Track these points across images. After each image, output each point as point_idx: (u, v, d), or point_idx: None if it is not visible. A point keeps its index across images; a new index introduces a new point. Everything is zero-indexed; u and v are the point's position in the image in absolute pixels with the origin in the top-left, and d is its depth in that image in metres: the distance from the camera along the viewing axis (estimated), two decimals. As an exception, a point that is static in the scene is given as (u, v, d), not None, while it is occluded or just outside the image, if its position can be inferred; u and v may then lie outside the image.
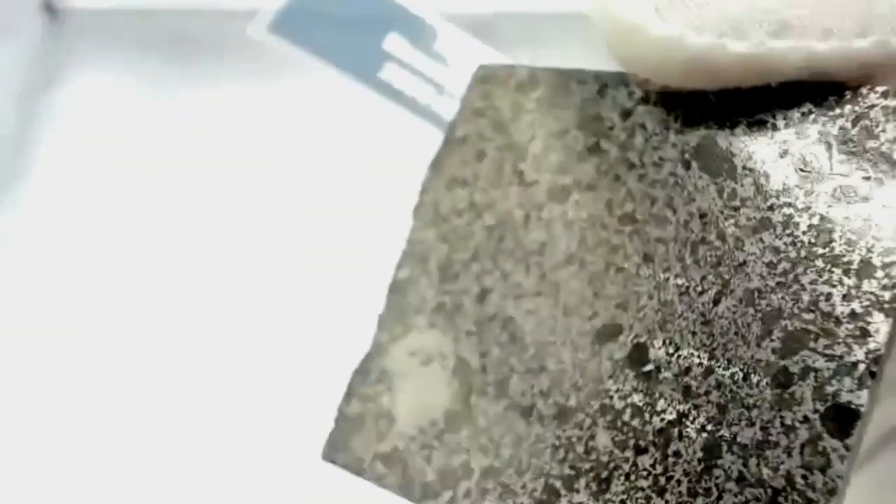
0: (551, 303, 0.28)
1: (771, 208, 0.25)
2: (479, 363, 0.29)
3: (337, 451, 0.31)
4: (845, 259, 0.23)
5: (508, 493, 0.27)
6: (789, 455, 0.23)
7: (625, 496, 0.25)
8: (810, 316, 0.24)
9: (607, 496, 0.25)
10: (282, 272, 0.51)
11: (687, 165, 0.27)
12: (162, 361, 0.50)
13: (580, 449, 0.26)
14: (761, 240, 0.25)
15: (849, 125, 0.25)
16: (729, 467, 0.24)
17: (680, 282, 0.26)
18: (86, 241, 0.53)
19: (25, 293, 0.52)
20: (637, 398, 0.26)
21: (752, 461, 0.23)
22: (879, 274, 0.23)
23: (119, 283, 0.52)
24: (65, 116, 0.55)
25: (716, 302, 0.25)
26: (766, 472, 0.23)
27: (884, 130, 0.24)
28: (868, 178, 0.24)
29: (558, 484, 0.26)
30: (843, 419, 0.22)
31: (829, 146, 0.25)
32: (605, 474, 0.26)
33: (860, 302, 0.23)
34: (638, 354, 0.26)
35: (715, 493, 0.24)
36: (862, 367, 0.22)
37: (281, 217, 0.52)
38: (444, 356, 0.30)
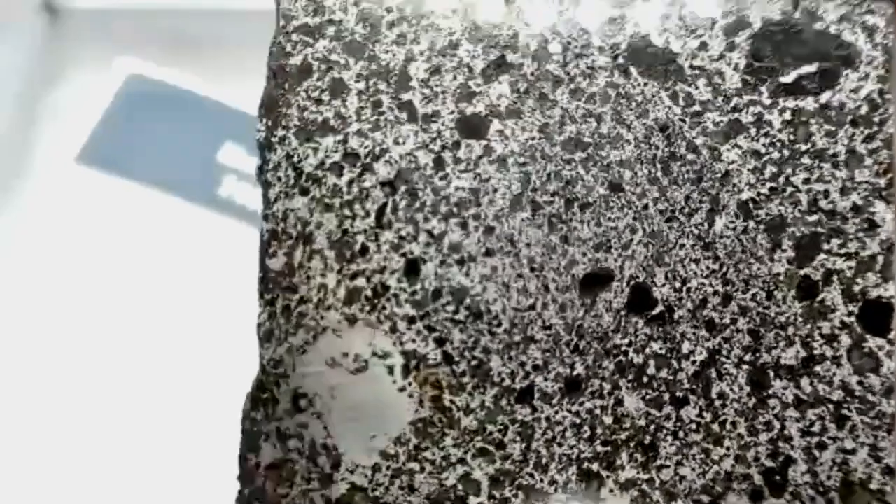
0: (511, 260, 0.23)
1: (736, 109, 0.23)
2: (437, 353, 0.23)
3: None
4: (830, 152, 0.23)
5: (535, 494, 0.22)
6: (838, 365, 0.22)
7: (679, 457, 0.22)
8: (814, 217, 0.23)
9: (658, 462, 0.22)
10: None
11: (625, 72, 0.24)
12: (161, 361, 0.50)
13: (608, 420, 0.23)
14: (737, 145, 0.23)
15: (790, 8, 0.23)
16: (782, 394, 0.22)
17: (662, 206, 0.23)
18: (85, 241, 0.53)
19: (25, 292, 0.51)
20: (656, 346, 0.23)
21: (804, 381, 0.22)
22: (868, 161, 0.23)
23: (119, 283, 0.51)
24: (65, 116, 0.55)
25: (710, 221, 0.23)
26: (821, 387, 0.22)
27: (825, 11, 0.23)
28: (827, 64, 0.23)
29: (595, 466, 0.22)
30: (879, 315, 0.22)
31: (776, 33, 0.23)
32: (647, 440, 0.22)
33: (858, 193, 0.22)
34: (640, 298, 0.23)
35: (777, 424, 0.22)
36: (881, 259, 0.22)
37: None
38: (384, 354, 0.23)
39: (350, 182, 0.24)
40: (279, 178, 0.24)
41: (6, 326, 0.51)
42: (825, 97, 0.23)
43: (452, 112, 0.24)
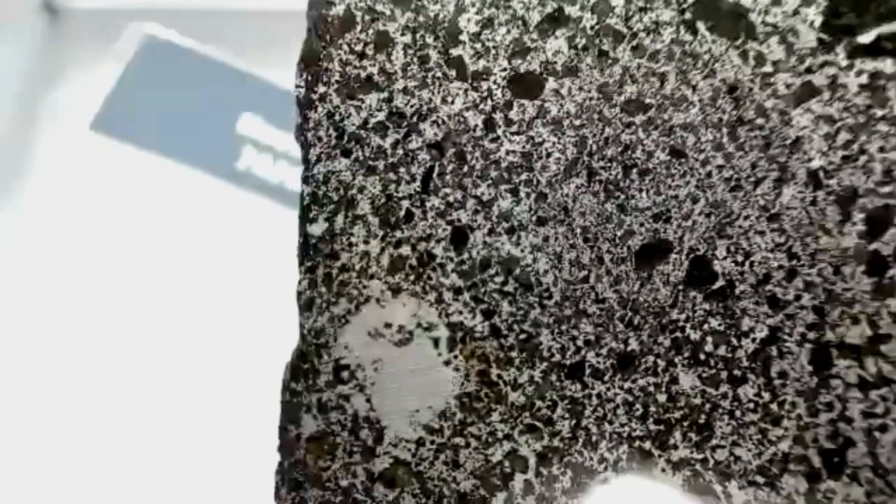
0: (563, 229, 0.22)
1: (809, 70, 0.22)
2: (485, 325, 0.22)
3: (299, 488, 0.23)
4: None
5: (584, 472, 0.22)
6: None
7: (734, 437, 0.21)
8: (888, 189, 0.21)
9: (713, 442, 0.22)
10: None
11: (692, 28, 0.22)
12: (160, 361, 0.49)
13: (662, 398, 0.22)
14: (809, 109, 0.22)
15: None
16: (845, 373, 0.21)
17: (727, 174, 0.22)
18: (86, 241, 0.52)
19: (25, 291, 0.51)
20: (715, 322, 0.22)
21: (869, 361, 0.21)
22: None
23: (119, 283, 0.51)
24: (65, 116, 0.54)
25: (777, 191, 0.22)
26: (886, 368, 0.21)
27: None
28: None
29: (647, 445, 0.22)
30: None
31: None
32: (702, 419, 0.22)
33: None
34: (700, 271, 0.22)
35: (838, 405, 0.21)
36: None
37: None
38: (428, 326, 0.23)
39: (395, 143, 0.23)
40: (320, 138, 0.23)
41: (6, 325, 0.51)
42: None
43: (505, 69, 0.23)
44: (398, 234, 0.23)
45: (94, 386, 0.48)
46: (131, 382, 0.49)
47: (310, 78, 0.23)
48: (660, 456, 0.22)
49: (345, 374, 0.23)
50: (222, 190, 0.52)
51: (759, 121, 0.22)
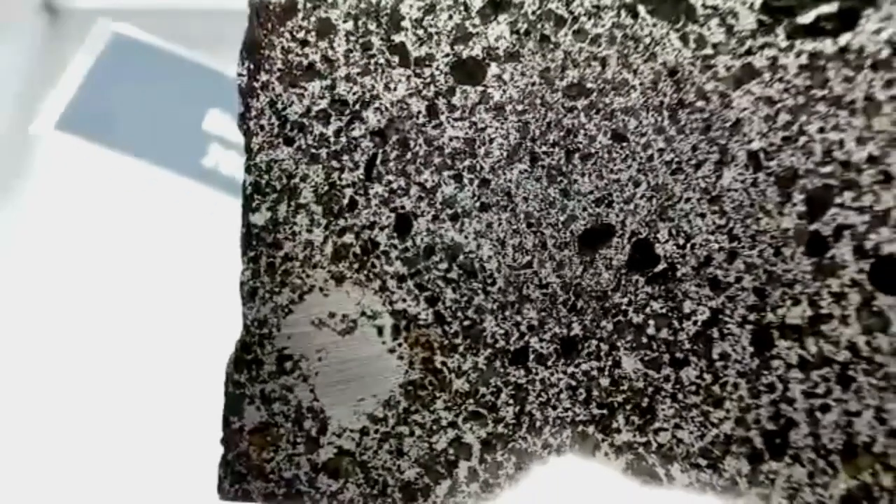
0: (507, 215, 0.22)
1: (750, 52, 0.22)
2: (429, 313, 0.22)
3: (242, 481, 0.23)
4: (847, 98, 0.21)
5: (528, 458, 0.22)
6: (846, 324, 0.21)
7: (677, 419, 0.21)
8: (828, 169, 0.21)
9: (656, 425, 0.22)
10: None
11: (633, 12, 0.22)
12: (160, 360, 0.49)
13: (605, 382, 0.22)
14: (749, 91, 0.22)
15: None
16: (786, 354, 0.21)
17: (668, 157, 0.22)
18: (85, 241, 0.52)
19: (25, 291, 0.51)
20: (657, 305, 0.22)
21: (810, 341, 0.21)
22: (887, 109, 0.21)
23: (118, 282, 0.51)
24: (65, 116, 0.54)
25: (718, 174, 0.22)
26: (827, 348, 0.21)
27: None
28: (848, 3, 0.21)
29: (591, 429, 0.22)
30: (892, 272, 0.21)
31: None
32: (645, 402, 0.22)
33: (875, 143, 0.21)
34: (642, 255, 0.22)
35: (780, 386, 0.21)
36: (895, 213, 0.21)
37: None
38: (373, 314, 0.23)
39: (338, 131, 0.23)
40: (262, 127, 0.23)
41: (6, 324, 0.51)
42: (844, 39, 0.21)
43: (447, 55, 0.23)
44: (342, 222, 0.23)
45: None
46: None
47: (252, 66, 0.23)
48: (603, 440, 0.21)
49: (288, 365, 0.22)
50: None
51: (700, 103, 0.22)
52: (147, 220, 0.53)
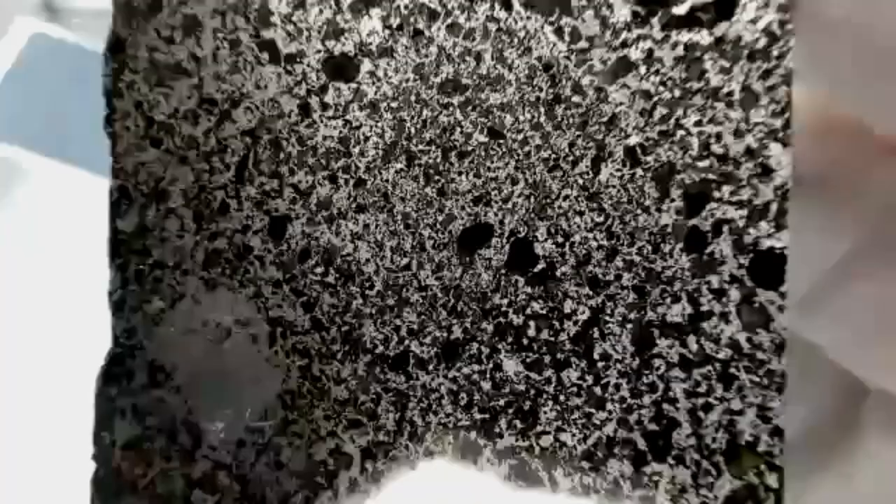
0: (384, 216, 0.22)
1: (625, 44, 0.21)
2: (306, 319, 0.22)
3: (114, 498, 0.22)
4: (724, 90, 0.21)
5: (410, 466, 0.21)
6: (727, 321, 0.21)
7: (559, 422, 0.21)
8: (705, 163, 0.21)
9: (538, 429, 0.21)
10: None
11: (506, 4, 0.22)
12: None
13: (486, 385, 0.21)
14: (625, 85, 0.21)
15: None
16: (667, 353, 0.21)
17: (545, 154, 0.21)
18: (85, 241, 0.51)
19: (25, 290, 0.51)
20: (537, 306, 0.21)
21: (691, 339, 0.21)
22: (765, 100, 0.21)
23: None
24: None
25: (596, 170, 0.21)
26: (708, 346, 0.21)
27: None
28: None
29: (473, 435, 0.21)
30: (770, 267, 0.21)
31: None
32: (527, 405, 0.21)
33: (753, 136, 0.21)
34: (521, 254, 0.21)
35: (661, 385, 0.21)
36: (774, 206, 0.21)
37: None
38: (247, 322, 0.22)
39: (207, 132, 0.22)
40: (128, 129, 0.22)
41: (6, 323, 0.51)
42: (721, 29, 0.21)
43: (319, 51, 0.22)
44: (213, 226, 0.22)
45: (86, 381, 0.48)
46: None
47: (116, 66, 0.22)
48: (485, 445, 0.21)
49: (160, 376, 0.22)
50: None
51: (576, 98, 0.21)
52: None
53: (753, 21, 0.21)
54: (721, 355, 0.20)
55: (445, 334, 0.21)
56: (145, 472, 0.21)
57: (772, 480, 0.20)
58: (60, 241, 0.51)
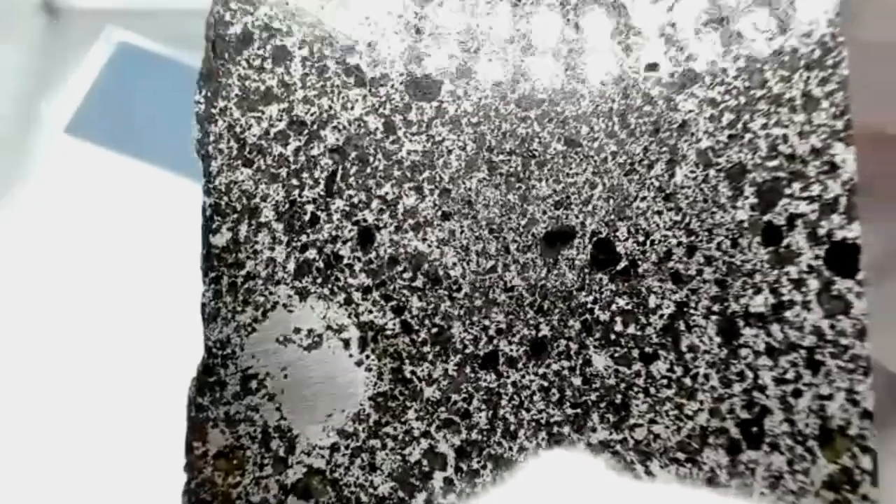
0: (469, 222, 0.22)
1: (690, 58, 0.23)
2: (396, 323, 0.22)
3: None
4: (787, 96, 0.22)
5: (504, 464, 0.21)
6: (808, 309, 0.21)
7: (651, 414, 0.21)
8: (775, 162, 0.22)
9: (631, 421, 0.21)
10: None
11: (576, 25, 0.23)
12: (159, 360, 0.48)
13: (577, 381, 0.22)
14: (693, 94, 0.23)
15: None
16: (753, 342, 0.21)
17: (621, 159, 0.23)
18: (85, 241, 0.52)
19: (25, 291, 0.51)
20: (622, 302, 0.22)
21: (775, 328, 0.21)
22: (825, 104, 0.22)
23: (118, 282, 0.51)
24: (64, 116, 0.55)
25: (670, 172, 0.22)
26: (793, 334, 0.21)
27: None
28: (778, 10, 0.23)
29: (566, 429, 0.21)
30: (846, 256, 0.21)
31: None
32: (618, 399, 0.21)
33: (817, 136, 0.22)
34: (603, 253, 0.22)
35: (750, 374, 0.21)
36: (843, 200, 0.22)
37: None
38: (339, 328, 0.22)
39: (297, 150, 0.23)
40: (221, 151, 0.23)
41: (6, 323, 0.51)
42: (777, 43, 0.22)
43: (402, 74, 0.23)
44: (303, 238, 0.23)
45: (86, 382, 0.48)
46: (118, 379, 0.48)
47: (209, 94, 0.23)
48: (579, 440, 0.21)
49: (253, 384, 0.22)
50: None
51: (647, 108, 0.23)
52: (152, 222, 0.52)
53: (808, 35, 0.22)
54: (806, 342, 0.21)
55: (534, 332, 0.22)
56: (238, 481, 0.21)
57: (866, 463, 0.20)
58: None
